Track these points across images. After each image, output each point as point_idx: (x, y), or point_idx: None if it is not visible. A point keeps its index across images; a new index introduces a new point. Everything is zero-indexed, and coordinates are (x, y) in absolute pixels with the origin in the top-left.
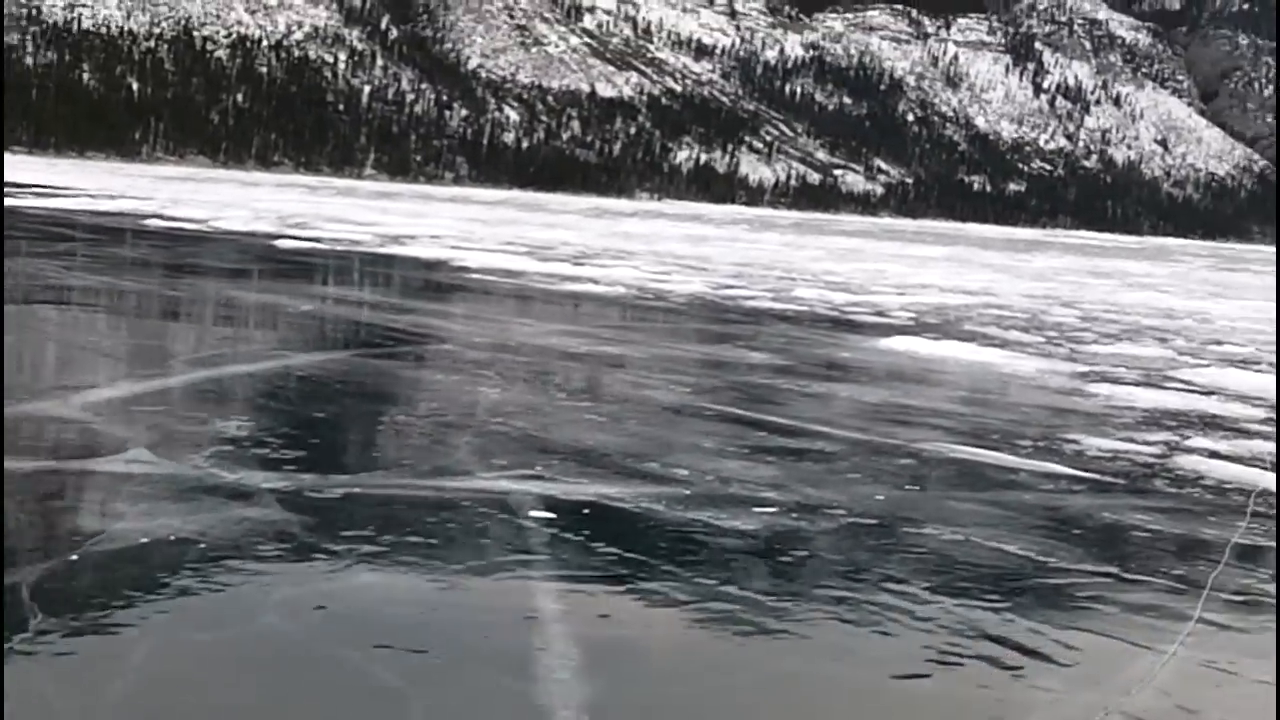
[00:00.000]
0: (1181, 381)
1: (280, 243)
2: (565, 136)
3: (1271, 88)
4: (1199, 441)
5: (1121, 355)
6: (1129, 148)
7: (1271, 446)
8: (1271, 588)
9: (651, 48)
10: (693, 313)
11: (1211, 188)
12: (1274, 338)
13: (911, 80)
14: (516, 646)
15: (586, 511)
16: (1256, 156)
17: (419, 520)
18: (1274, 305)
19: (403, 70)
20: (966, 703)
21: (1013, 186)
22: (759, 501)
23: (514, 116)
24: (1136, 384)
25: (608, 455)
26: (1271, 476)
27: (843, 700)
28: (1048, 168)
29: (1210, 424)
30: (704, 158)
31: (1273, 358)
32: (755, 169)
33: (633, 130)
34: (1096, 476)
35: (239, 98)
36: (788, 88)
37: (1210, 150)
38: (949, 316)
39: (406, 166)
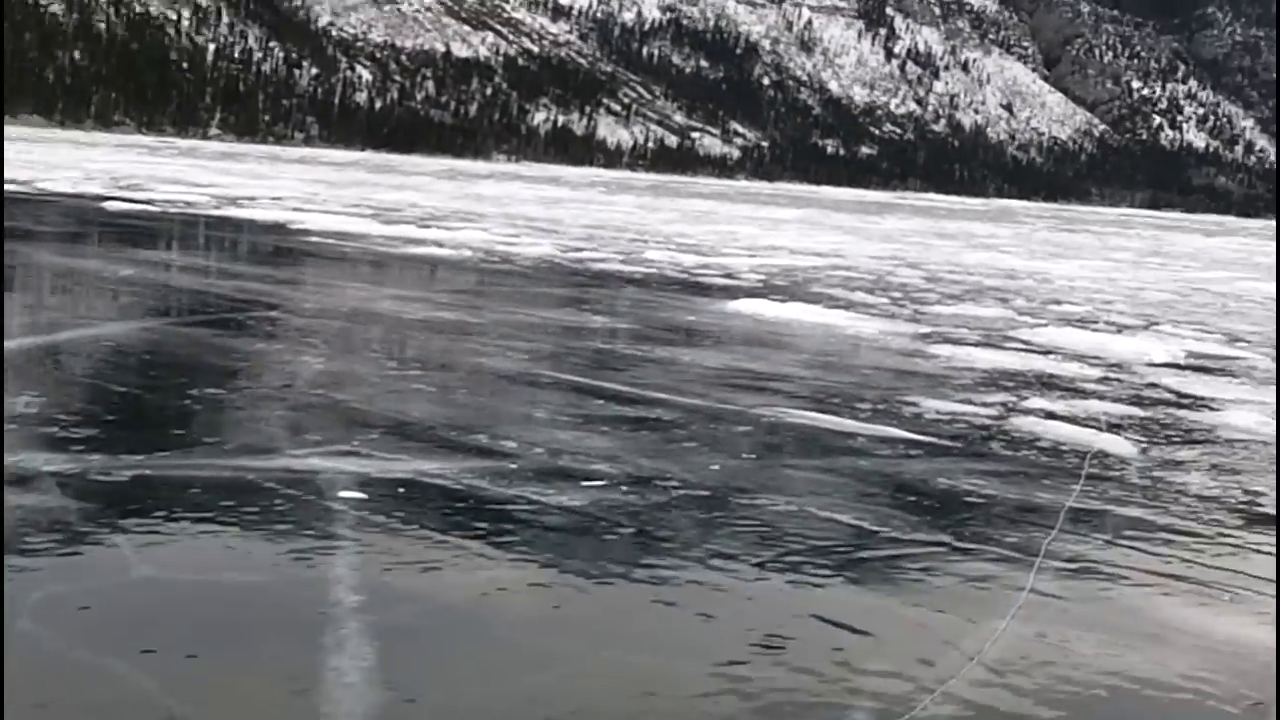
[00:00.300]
0: (1020, 341)
1: (108, 205)
2: (419, 97)
3: (1111, 54)
4: (1036, 402)
5: (963, 316)
6: (976, 112)
7: (1106, 406)
8: (1102, 554)
9: (507, 7)
10: (539, 276)
11: (1054, 151)
12: (1113, 296)
13: (767, 44)
14: (304, 651)
15: (401, 490)
16: (1096, 121)
17: (212, 505)
18: (1113, 265)
19: (249, 27)
20: (790, 691)
21: (865, 150)
22: (588, 475)
23: (366, 76)
24: (977, 344)
25: (432, 428)
26: (1105, 437)
27: (658, 695)
28: (898, 132)
29: (1047, 384)
30: (561, 120)
31: (1110, 316)
32: (613, 131)
33: (489, 91)
34: (934, 440)
35: (76, 55)
36: (645, 50)
37: (1053, 115)
38: (797, 278)
39: (254, 127)
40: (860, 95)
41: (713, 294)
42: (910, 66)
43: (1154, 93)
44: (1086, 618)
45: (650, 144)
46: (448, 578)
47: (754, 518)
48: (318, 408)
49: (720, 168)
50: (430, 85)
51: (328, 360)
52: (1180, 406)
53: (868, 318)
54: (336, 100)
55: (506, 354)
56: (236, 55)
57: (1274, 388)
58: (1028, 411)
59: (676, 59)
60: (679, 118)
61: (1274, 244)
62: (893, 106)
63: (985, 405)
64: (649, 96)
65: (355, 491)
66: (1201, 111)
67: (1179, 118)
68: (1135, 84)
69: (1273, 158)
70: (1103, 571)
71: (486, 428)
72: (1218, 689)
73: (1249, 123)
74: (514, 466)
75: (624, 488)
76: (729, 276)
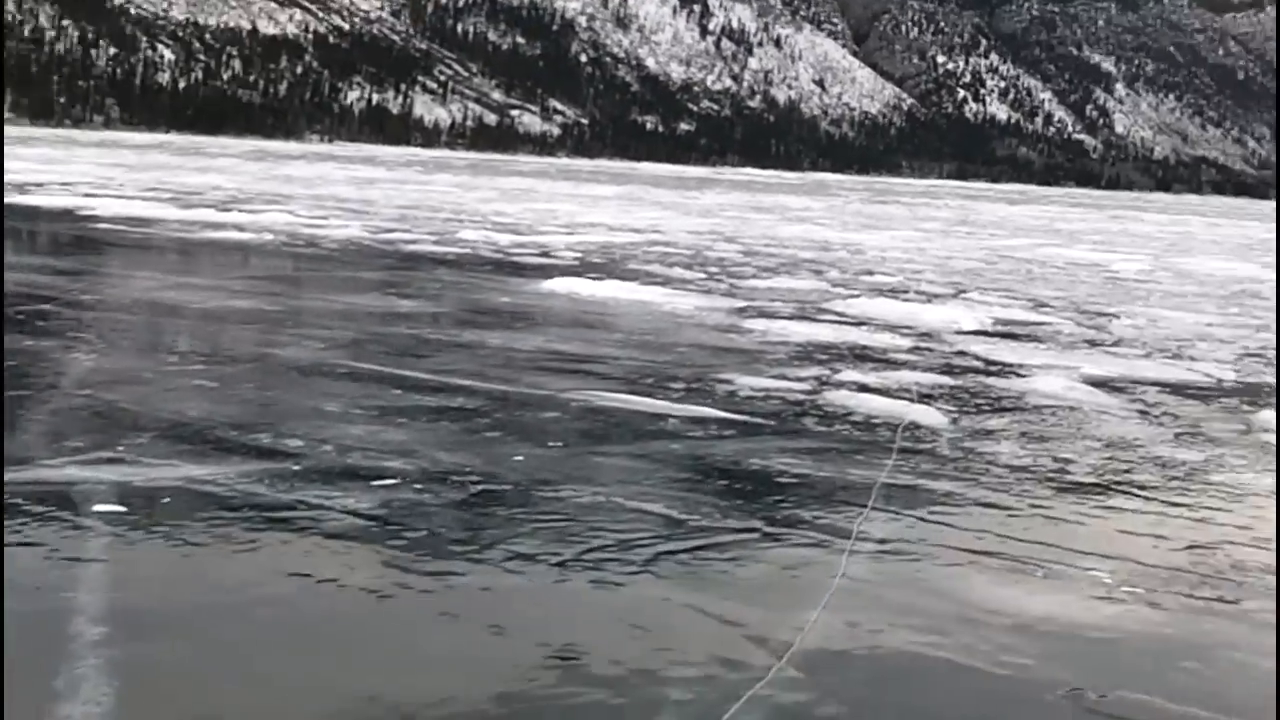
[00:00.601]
0: (834, 313)
1: None
2: (226, 76)
3: (917, 30)
4: (849, 375)
5: (779, 289)
6: (790, 88)
7: (917, 376)
8: (915, 533)
9: None
10: (345, 260)
11: (865, 125)
12: (922, 266)
13: (583, 21)
14: (34, 696)
15: (168, 500)
16: (904, 95)
17: None
18: (923, 235)
19: (39, 5)
20: (583, 710)
21: (683, 126)
22: (380, 473)
23: (169, 55)
24: (791, 318)
25: (211, 428)
26: (917, 408)
27: None
28: (715, 108)
29: (860, 356)
30: (376, 98)
31: (920, 285)
32: (430, 110)
33: (299, 70)
34: (747, 419)
35: None
36: (460, 27)
37: (863, 90)
38: (615, 255)
39: (49, 110)
40: (677, 72)
41: (528, 274)
42: (725, 43)
43: (958, 67)
44: (899, 603)
45: (469, 122)
46: (205, 598)
47: (557, 512)
48: (83, 410)
49: (541, 145)
50: (237, 64)
51: (101, 357)
52: (989, 374)
53: (684, 294)
54: (138, 81)
55: (302, 343)
56: (26, 35)
57: (1086, 352)
58: (841, 385)
59: (493, 36)
60: (497, 95)
61: (1075, 210)
62: (709, 83)
63: (799, 380)
64: (466, 74)
65: (113, 504)
66: (1003, 85)
67: (982, 91)
68: (940, 59)
69: (1071, 127)
70: (915, 552)
71: (270, 426)
72: (1032, 673)
73: (1047, 95)
74: (297, 468)
75: (417, 486)
76: (545, 255)
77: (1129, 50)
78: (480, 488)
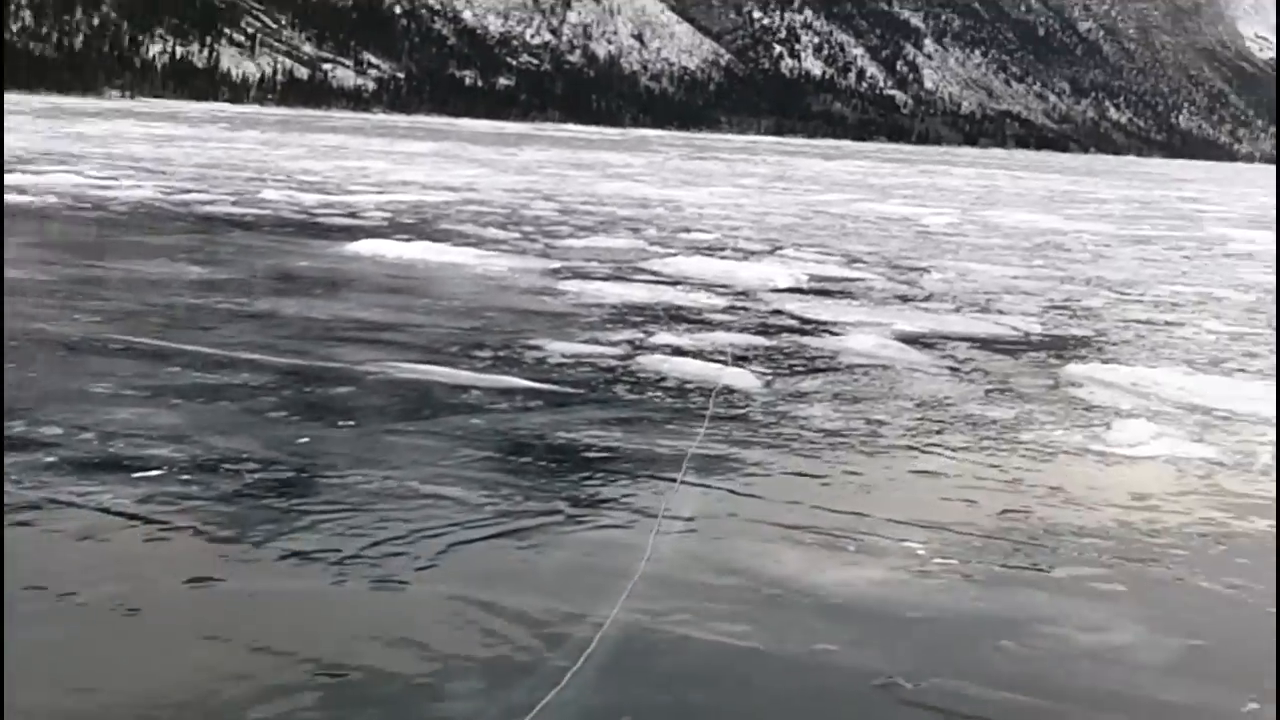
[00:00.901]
0: (650, 273)
1: None
2: (15, 28)
3: None
4: (663, 338)
5: (595, 248)
6: (609, 42)
7: (732, 337)
8: (725, 507)
9: None
10: (133, 223)
11: (684, 81)
12: (740, 222)
13: None
14: None
15: None
16: (722, 51)
17: None
18: (741, 191)
19: None
20: None
21: (503, 81)
22: (144, 462)
23: None
24: (606, 278)
25: None
26: (731, 371)
27: None
28: (534, 62)
29: (675, 317)
30: (180, 51)
31: (738, 242)
32: (238, 64)
33: (96, 21)
34: (555, 388)
35: None
36: None
37: (681, 45)
38: (426, 215)
39: None
40: (495, 25)
41: (332, 236)
42: None
43: (773, 22)
44: (707, 587)
45: (279, 77)
46: None
47: (340, 502)
48: None
49: (356, 101)
50: (27, 15)
51: None
52: (803, 333)
53: (497, 254)
54: None
55: (74, 317)
56: None
57: (898, 308)
58: (654, 349)
59: None
60: (308, 48)
61: (887, 165)
62: (528, 36)
63: (611, 344)
64: (275, 26)
65: None
66: (817, 41)
67: (797, 46)
68: (756, 14)
69: (883, 83)
70: (725, 529)
71: (27, 412)
72: (845, 660)
73: (859, 51)
74: (51, 459)
75: (185, 476)
76: (352, 216)
77: (936, 6)
78: (256, 476)
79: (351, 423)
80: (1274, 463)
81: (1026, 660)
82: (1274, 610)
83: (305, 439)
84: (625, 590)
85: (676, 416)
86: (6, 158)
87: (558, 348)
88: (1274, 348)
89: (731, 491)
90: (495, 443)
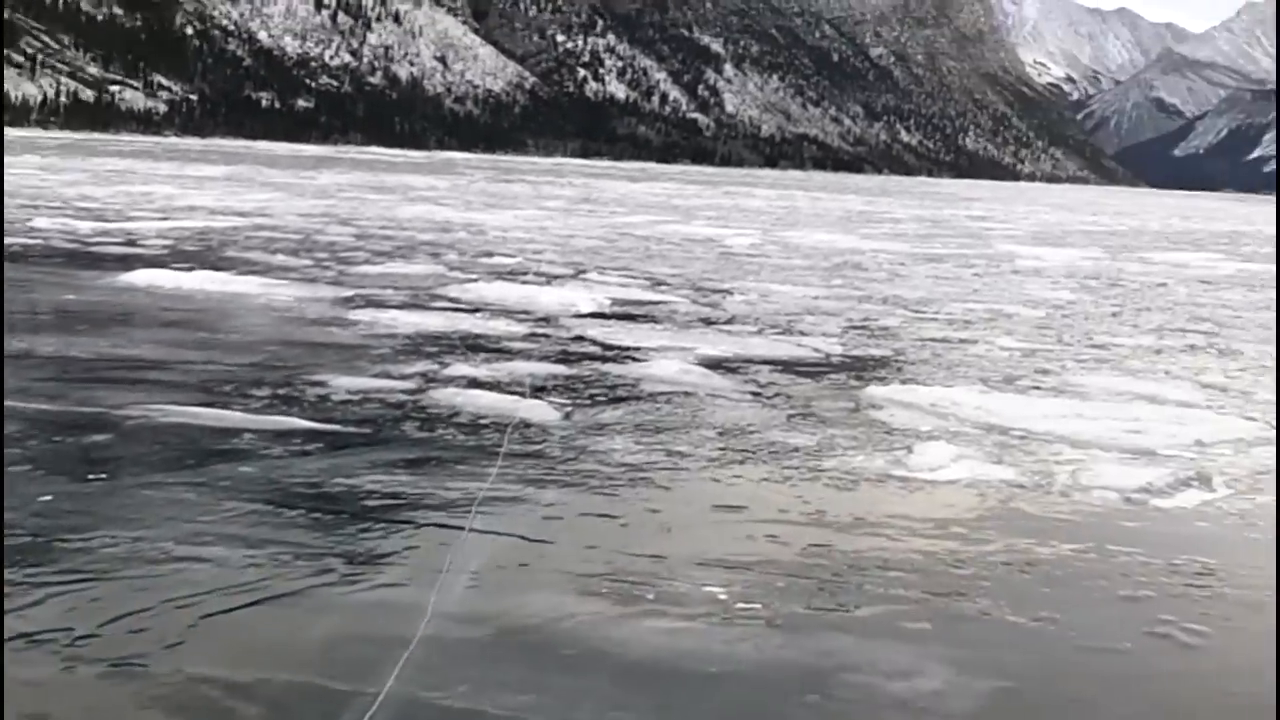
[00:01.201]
0: (448, 299)
1: None
2: None
3: (535, 9)
4: (458, 369)
5: (391, 274)
6: (411, 64)
7: (531, 366)
8: (514, 557)
9: None
10: None
11: (489, 103)
12: (544, 245)
13: None
14: None
15: None
16: (527, 74)
17: None
18: (546, 214)
19: None
20: None
21: (302, 103)
22: None
23: None
24: (402, 306)
25: None
26: (528, 403)
27: None
28: (335, 84)
29: (472, 346)
30: None
31: (540, 266)
32: (18, 85)
33: None
34: (338, 429)
35: None
36: None
37: (485, 68)
38: (212, 242)
39: None
40: (292, 46)
41: (105, 266)
42: (342, 17)
43: (577, 46)
44: (490, 657)
45: (63, 99)
46: None
47: (82, 570)
48: None
49: (146, 123)
50: None
51: None
52: (605, 360)
53: (285, 283)
54: None
55: None
56: None
57: (701, 331)
58: (448, 381)
59: (86, 6)
60: (94, 70)
61: (692, 186)
62: (327, 58)
63: (402, 378)
64: (57, 46)
65: None
66: (620, 65)
67: (601, 70)
68: (560, 38)
69: (685, 106)
70: (514, 581)
71: None
72: None
73: (662, 75)
74: None
75: None
76: (131, 244)
77: (735, 32)
78: None
79: (104, 475)
80: (1073, 484)
81: (835, 716)
82: (1078, 643)
83: (48, 496)
84: (400, 660)
85: (468, 456)
86: None
87: (343, 383)
88: (1065, 364)
89: (523, 538)
90: (265, 493)
